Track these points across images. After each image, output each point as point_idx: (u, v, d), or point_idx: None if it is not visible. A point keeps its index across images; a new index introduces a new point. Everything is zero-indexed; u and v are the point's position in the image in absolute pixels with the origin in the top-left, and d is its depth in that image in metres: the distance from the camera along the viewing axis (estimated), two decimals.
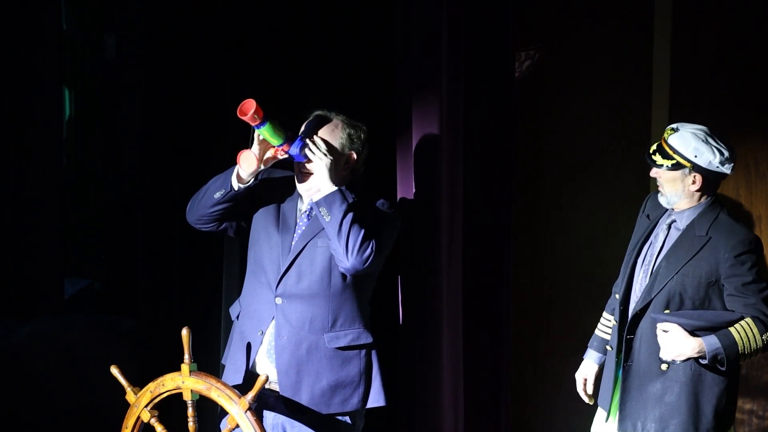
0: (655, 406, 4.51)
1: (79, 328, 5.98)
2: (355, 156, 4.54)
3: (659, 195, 4.60)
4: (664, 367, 4.49)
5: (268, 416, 4.54)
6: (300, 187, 4.55)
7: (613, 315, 4.76)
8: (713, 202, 4.55)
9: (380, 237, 4.45)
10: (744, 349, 4.39)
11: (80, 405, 5.79)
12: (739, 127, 5.64)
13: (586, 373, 4.86)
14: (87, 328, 5.99)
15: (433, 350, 4.91)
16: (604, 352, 4.80)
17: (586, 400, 4.88)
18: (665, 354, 4.46)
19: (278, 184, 4.63)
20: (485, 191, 5.16)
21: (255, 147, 4.47)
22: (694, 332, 4.43)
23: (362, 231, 4.38)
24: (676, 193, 4.54)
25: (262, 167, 4.51)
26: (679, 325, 4.43)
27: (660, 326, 4.47)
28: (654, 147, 4.57)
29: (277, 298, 4.49)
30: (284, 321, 4.49)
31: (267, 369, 4.51)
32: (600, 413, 4.74)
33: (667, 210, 4.61)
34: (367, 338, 4.54)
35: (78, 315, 6.36)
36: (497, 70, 5.11)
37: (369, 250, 4.39)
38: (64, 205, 6.49)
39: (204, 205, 4.54)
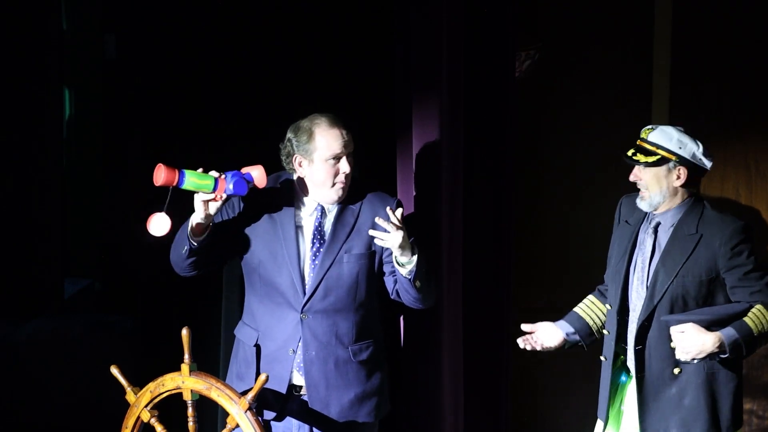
0: (675, 411, 4.48)
1: (79, 328, 5.97)
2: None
3: (640, 200, 4.52)
4: (676, 371, 4.47)
5: (294, 423, 4.53)
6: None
7: (597, 299, 4.73)
8: (695, 200, 4.51)
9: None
10: (760, 335, 4.40)
11: (80, 405, 5.79)
12: (739, 127, 5.65)
13: (544, 327, 4.72)
14: (87, 328, 5.99)
15: (433, 351, 4.91)
16: (575, 327, 4.70)
17: (520, 343, 4.73)
18: (685, 355, 4.42)
19: (262, 202, 4.51)
20: (485, 191, 5.16)
21: (197, 200, 4.33)
22: (708, 328, 4.42)
23: (433, 278, 4.53)
24: (660, 193, 4.48)
25: (211, 213, 4.36)
26: (694, 323, 4.42)
27: (675, 328, 4.44)
28: (632, 150, 4.52)
29: (302, 315, 4.47)
30: (311, 336, 4.47)
31: (299, 383, 4.51)
32: (599, 425, 4.72)
33: (646, 214, 4.57)
34: (383, 348, 4.59)
35: (78, 315, 6.35)
36: (497, 70, 5.11)
37: (434, 286, 4.57)
38: (64, 205, 6.48)
39: (180, 259, 4.48)
